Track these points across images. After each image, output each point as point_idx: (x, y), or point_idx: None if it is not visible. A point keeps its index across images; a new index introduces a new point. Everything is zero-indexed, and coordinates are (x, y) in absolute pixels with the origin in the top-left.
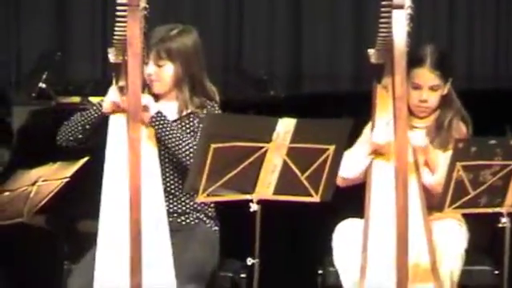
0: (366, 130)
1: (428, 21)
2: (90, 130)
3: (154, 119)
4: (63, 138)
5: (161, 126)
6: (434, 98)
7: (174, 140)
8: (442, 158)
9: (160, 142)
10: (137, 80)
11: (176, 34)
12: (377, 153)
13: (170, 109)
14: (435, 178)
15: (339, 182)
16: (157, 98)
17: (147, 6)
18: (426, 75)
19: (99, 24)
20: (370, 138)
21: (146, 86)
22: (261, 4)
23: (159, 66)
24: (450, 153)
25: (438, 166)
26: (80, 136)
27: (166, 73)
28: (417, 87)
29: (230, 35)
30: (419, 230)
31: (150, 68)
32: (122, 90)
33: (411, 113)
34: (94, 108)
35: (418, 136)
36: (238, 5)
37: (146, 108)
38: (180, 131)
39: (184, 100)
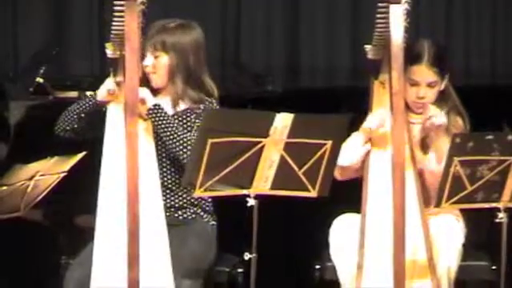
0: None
1: (425, 16)
2: (85, 119)
3: (151, 111)
4: (60, 128)
5: (157, 119)
6: (431, 95)
7: (169, 133)
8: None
9: (157, 135)
10: (134, 75)
11: (173, 27)
12: (372, 140)
13: (165, 104)
14: (440, 168)
15: (336, 173)
16: (154, 92)
17: (145, 0)
18: (424, 72)
19: (97, 19)
20: (364, 125)
21: (145, 81)
22: None
23: (155, 58)
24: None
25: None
26: (76, 125)
27: (160, 64)
28: (414, 84)
29: (227, 30)
30: (416, 225)
31: (148, 60)
32: (119, 85)
33: (408, 108)
34: (89, 96)
35: (438, 114)
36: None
37: (143, 101)
38: (177, 125)
39: (176, 92)
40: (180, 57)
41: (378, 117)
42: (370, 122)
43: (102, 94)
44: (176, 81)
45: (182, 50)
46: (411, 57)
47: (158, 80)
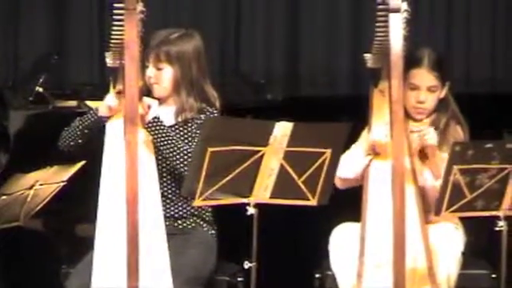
0: (364, 133)
1: (425, 24)
2: (88, 135)
3: (150, 124)
4: (64, 144)
5: (156, 132)
6: (431, 100)
7: (168, 147)
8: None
9: (155, 146)
10: (134, 84)
11: (176, 38)
12: (374, 152)
13: (168, 113)
14: (438, 184)
15: (337, 182)
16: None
17: (144, 9)
18: (424, 76)
19: (96, 27)
20: (368, 137)
21: (146, 91)
22: (258, 7)
23: (158, 69)
24: (445, 155)
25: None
26: (80, 141)
27: (165, 76)
28: (414, 88)
29: (227, 38)
30: (416, 234)
31: (150, 71)
32: (120, 93)
33: (407, 115)
34: (91, 112)
35: (431, 133)
36: (236, 8)
37: (149, 107)
38: (176, 138)
39: (181, 104)
40: (184, 67)
41: (384, 128)
42: (378, 134)
43: (103, 110)
44: (181, 92)
45: (185, 60)
46: (411, 61)
47: (161, 91)
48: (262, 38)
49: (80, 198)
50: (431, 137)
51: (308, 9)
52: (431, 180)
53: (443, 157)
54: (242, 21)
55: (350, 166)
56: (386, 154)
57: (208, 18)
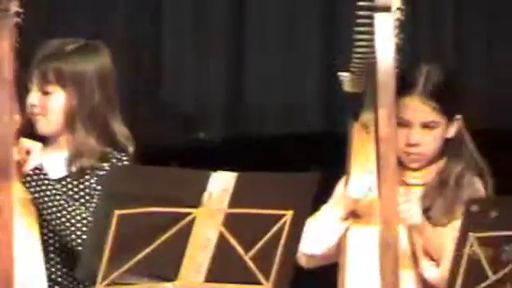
0: (339, 187)
1: (426, 29)
2: None
3: (29, 177)
4: None
5: (38, 189)
6: (429, 141)
7: (55, 210)
8: (449, 236)
9: (37, 210)
10: (6, 118)
11: (73, 51)
12: (354, 215)
13: (57, 160)
14: (442, 271)
15: (301, 260)
16: (43, 143)
17: (20, 10)
18: (417, 107)
19: None
20: (345, 193)
21: (29, 127)
22: (185, 5)
23: (45, 94)
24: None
25: (444, 252)
26: None
27: (54, 103)
28: (404, 124)
29: (141, 51)
30: None
31: (33, 97)
32: None
33: (401, 162)
34: None
35: (412, 209)
36: (156, 7)
37: (28, 152)
38: (66, 196)
39: (76, 146)
40: (82, 93)
41: (368, 179)
42: (355, 189)
43: None
44: (76, 129)
45: (85, 83)
46: (401, 86)
47: (47, 125)
48: (191, 52)
49: None
50: (412, 213)
51: (257, 9)
52: (430, 270)
53: (441, 230)
54: (164, 26)
55: (319, 237)
56: (371, 217)
57: (114, 19)
